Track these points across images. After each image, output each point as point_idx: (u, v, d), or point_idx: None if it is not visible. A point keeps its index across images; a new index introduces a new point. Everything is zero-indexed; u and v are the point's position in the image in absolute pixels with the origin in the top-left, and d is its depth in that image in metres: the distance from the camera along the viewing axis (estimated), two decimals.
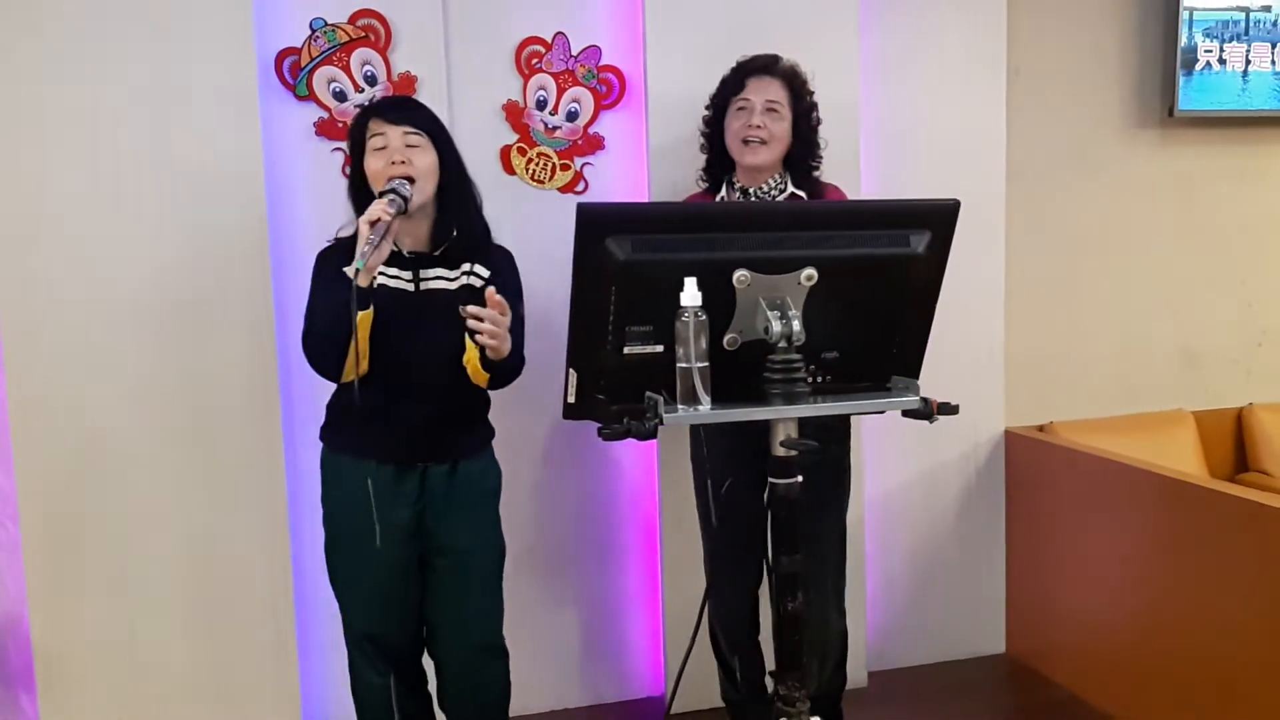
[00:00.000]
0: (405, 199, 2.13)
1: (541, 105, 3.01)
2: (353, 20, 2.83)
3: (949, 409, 1.68)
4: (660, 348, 1.66)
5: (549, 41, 2.99)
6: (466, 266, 2.30)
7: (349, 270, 2.03)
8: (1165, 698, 2.91)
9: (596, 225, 1.58)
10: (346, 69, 2.83)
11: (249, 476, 2.78)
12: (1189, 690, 2.82)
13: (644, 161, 3.06)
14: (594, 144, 3.06)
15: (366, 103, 2.82)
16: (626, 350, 1.65)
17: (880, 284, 1.71)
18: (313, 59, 2.81)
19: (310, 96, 2.82)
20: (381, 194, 2.13)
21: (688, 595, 3.10)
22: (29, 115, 2.59)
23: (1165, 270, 3.74)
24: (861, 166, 3.18)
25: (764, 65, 2.66)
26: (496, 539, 2.42)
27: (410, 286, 2.26)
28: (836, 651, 2.80)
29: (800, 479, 1.68)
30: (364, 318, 2.10)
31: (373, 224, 2.06)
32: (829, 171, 2.74)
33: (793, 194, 2.68)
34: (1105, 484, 3.16)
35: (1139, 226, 3.69)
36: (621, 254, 1.58)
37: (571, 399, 1.71)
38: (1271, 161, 3.78)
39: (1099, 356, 3.71)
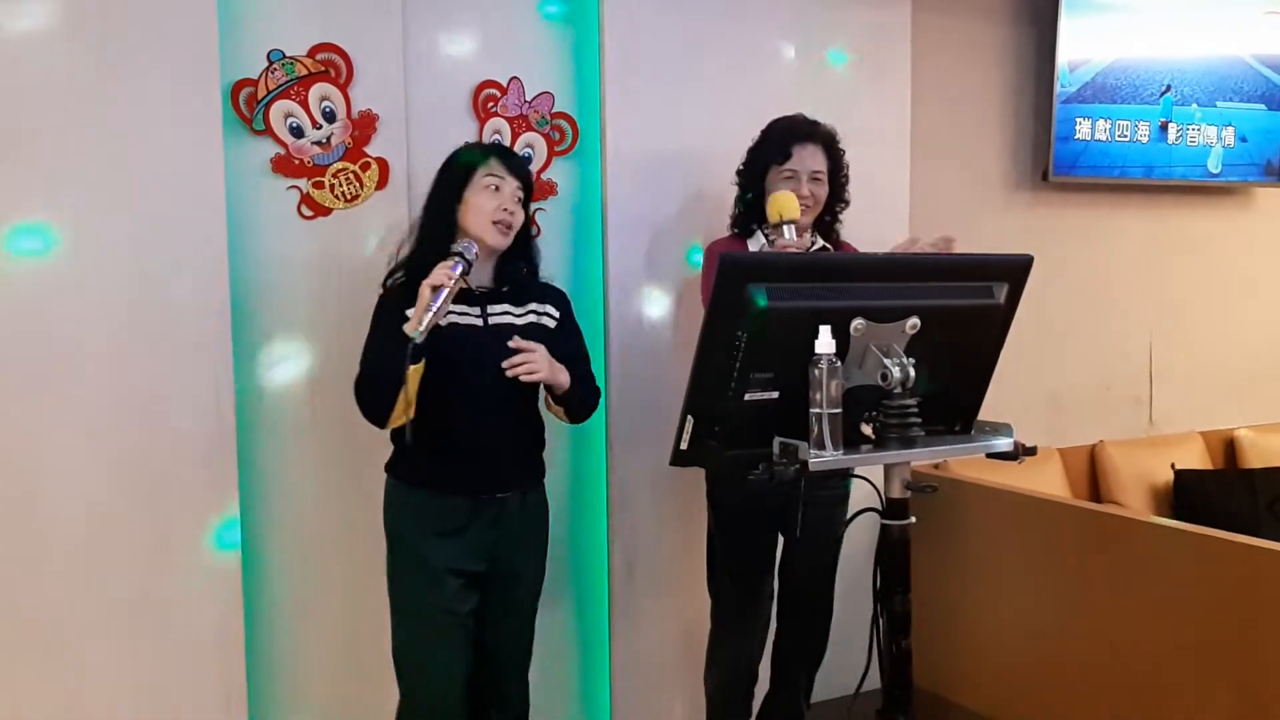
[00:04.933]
0: (470, 263, 2.23)
1: None
2: (312, 54, 2.70)
3: (1029, 451, 1.80)
4: (777, 394, 1.70)
5: (504, 86, 2.97)
6: (535, 306, 2.42)
7: (408, 329, 2.14)
8: (1072, 707, 3.16)
9: (739, 274, 1.61)
10: (304, 104, 2.71)
11: (199, 533, 2.57)
12: (1091, 696, 3.08)
13: (597, 209, 3.08)
14: (545, 190, 3.04)
15: (324, 140, 2.73)
16: (747, 397, 1.68)
17: (964, 332, 1.82)
18: (270, 91, 2.67)
19: (267, 131, 2.67)
20: (450, 254, 2.22)
21: (637, 641, 3.11)
22: None
23: (1038, 319, 4.08)
24: None
25: (808, 133, 2.70)
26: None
27: (479, 322, 2.35)
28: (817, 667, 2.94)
29: (914, 520, 1.75)
30: (414, 371, 2.17)
31: (434, 289, 2.14)
32: None
33: (823, 246, 2.78)
34: (998, 513, 3.43)
35: None
36: (759, 302, 1.61)
37: (684, 445, 1.72)
38: (1126, 223, 4.23)
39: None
